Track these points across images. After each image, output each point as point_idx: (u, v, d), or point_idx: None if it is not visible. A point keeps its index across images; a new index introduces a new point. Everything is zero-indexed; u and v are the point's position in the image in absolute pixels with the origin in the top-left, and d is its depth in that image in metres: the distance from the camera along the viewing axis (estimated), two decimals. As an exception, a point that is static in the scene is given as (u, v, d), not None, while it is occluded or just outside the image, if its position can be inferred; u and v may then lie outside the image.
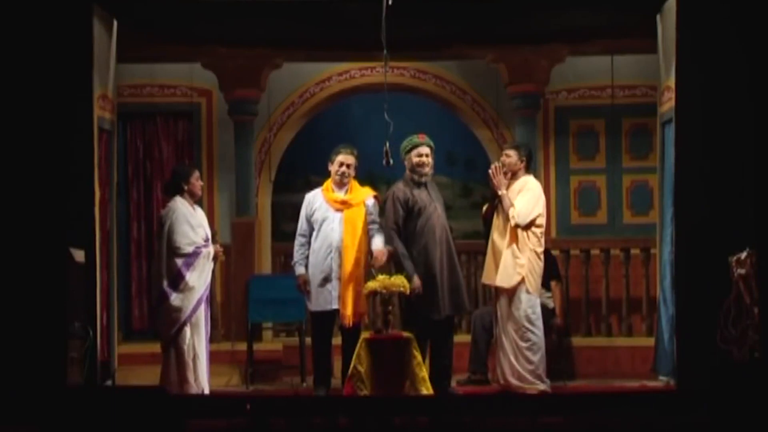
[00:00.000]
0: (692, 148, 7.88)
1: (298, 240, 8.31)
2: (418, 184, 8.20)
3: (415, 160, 8.21)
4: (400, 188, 8.24)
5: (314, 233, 8.21)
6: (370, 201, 8.26)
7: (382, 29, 7.89)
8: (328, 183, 8.28)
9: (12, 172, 7.55)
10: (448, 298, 8.11)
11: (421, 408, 6.66)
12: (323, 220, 8.17)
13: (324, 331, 8.27)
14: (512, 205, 8.15)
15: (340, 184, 8.23)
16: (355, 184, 8.29)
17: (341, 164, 8.20)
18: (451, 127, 11.23)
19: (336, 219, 8.15)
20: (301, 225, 8.30)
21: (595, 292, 10.31)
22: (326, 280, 8.13)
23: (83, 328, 7.62)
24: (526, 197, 8.21)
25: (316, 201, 8.27)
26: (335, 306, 8.11)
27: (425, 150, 8.21)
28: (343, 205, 8.19)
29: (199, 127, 10.66)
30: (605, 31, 9.32)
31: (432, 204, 8.18)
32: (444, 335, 8.23)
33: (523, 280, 8.11)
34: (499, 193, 8.22)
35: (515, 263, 8.12)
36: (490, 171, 8.30)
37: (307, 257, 8.23)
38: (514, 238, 8.16)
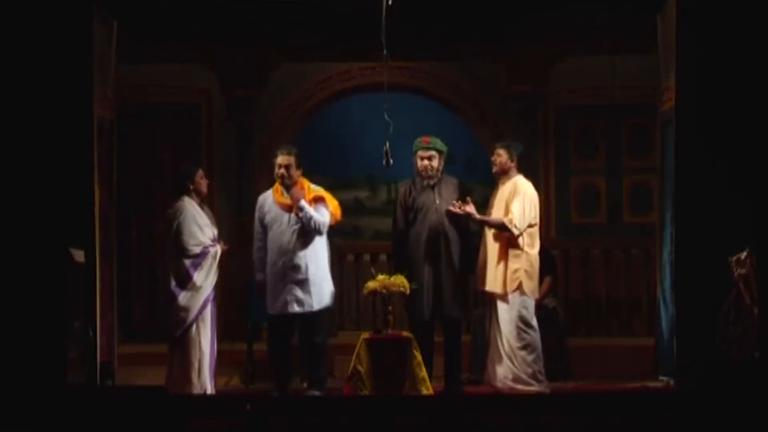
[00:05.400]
0: (692, 148, 7.89)
1: (255, 245, 8.25)
2: (424, 186, 8.20)
3: (419, 163, 8.22)
4: (405, 188, 8.28)
5: (268, 236, 8.16)
6: (316, 206, 8.06)
7: (382, 29, 7.89)
8: (278, 184, 8.19)
9: (12, 173, 7.56)
10: (432, 301, 8.07)
11: (421, 408, 6.67)
12: (273, 223, 8.13)
13: (281, 334, 8.17)
14: (507, 213, 8.06)
15: (284, 186, 8.13)
16: (304, 182, 8.15)
17: (279, 166, 8.11)
18: (451, 127, 11.22)
19: (285, 221, 8.07)
20: (256, 229, 8.24)
21: (595, 292, 10.31)
22: (282, 283, 8.05)
23: (83, 328, 7.62)
24: (520, 202, 8.08)
25: (266, 203, 8.21)
26: (291, 310, 8.03)
27: (428, 153, 8.19)
28: (291, 207, 8.10)
29: (199, 127, 10.67)
30: (605, 31, 9.32)
31: (433, 206, 8.15)
32: (448, 338, 8.22)
33: (519, 285, 8.07)
34: (479, 219, 8.15)
35: (510, 269, 8.08)
36: (451, 210, 8.09)
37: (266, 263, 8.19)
38: (508, 243, 8.09)
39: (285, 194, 8.12)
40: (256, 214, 8.27)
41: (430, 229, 8.11)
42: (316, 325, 8.12)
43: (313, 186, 8.18)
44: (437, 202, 8.13)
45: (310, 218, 7.98)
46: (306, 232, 8.03)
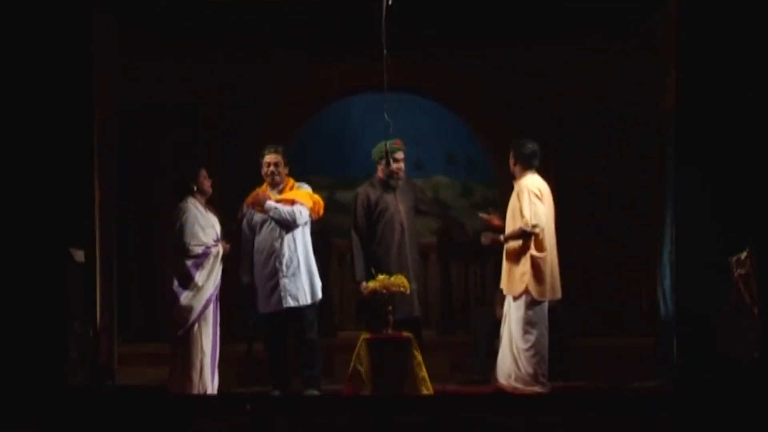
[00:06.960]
0: (692, 148, 7.89)
1: (242, 248, 8.24)
2: (393, 188, 8.25)
3: (394, 165, 8.29)
4: (366, 191, 8.34)
5: (255, 236, 8.16)
6: (297, 207, 8.11)
7: (382, 29, 7.89)
8: (266, 184, 8.22)
9: (12, 173, 7.57)
10: (397, 301, 8.05)
11: (421, 408, 6.67)
12: (263, 222, 8.14)
13: (277, 333, 8.20)
14: (514, 217, 8.07)
15: (273, 184, 8.17)
16: (291, 182, 8.21)
17: (268, 165, 8.16)
18: (451, 127, 11.22)
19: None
20: (243, 231, 8.24)
21: (595, 292, 10.29)
22: (274, 280, 8.08)
23: (83, 328, 7.63)
24: (526, 204, 7.99)
25: None
26: (286, 305, 8.07)
27: (402, 155, 8.32)
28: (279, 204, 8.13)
29: (199, 127, 10.65)
30: (605, 31, 9.33)
31: (396, 207, 8.22)
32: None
33: (527, 287, 8.07)
34: (505, 236, 8.14)
35: (519, 271, 8.08)
36: (483, 242, 8.19)
37: (253, 265, 8.19)
38: (516, 246, 8.11)
39: (270, 192, 8.16)
40: (245, 217, 8.26)
41: (397, 231, 8.21)
42: (308, 322, 8.14)
43: (297, 184, 8.20)
44: (400, 208, 8.25)
45: (278, 210, 8.02)
46: (291, 228, 8.04)
